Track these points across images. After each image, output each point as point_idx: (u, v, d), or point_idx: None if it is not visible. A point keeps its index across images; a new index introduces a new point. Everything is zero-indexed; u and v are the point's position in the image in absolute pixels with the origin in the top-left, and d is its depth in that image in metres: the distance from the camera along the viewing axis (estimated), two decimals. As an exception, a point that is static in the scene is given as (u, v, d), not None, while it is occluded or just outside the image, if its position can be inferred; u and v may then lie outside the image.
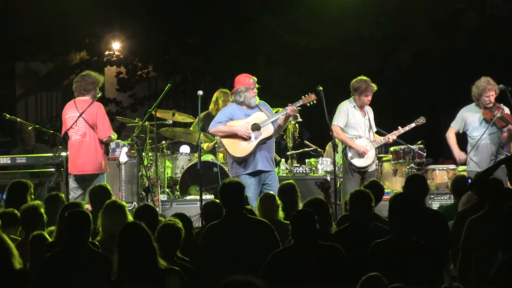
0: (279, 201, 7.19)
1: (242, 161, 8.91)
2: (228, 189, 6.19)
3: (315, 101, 8.98)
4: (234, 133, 8.91)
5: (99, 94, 9.45)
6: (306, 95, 9.01)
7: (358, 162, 9.46)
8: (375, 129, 9.84)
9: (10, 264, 5.23)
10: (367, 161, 9.50)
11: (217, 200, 7.32)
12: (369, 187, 6.85)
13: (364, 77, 9.57)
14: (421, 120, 10.08)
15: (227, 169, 10.45)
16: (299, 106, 9.05)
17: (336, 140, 9.38)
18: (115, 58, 16.78)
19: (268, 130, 8.95)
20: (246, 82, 9.02)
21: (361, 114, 9.60)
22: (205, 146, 10.83)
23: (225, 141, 9.03)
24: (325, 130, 9.33)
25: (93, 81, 9.24)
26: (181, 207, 9.80)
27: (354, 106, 9.56)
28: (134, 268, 5.15)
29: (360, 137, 9.54)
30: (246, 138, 8.88)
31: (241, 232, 6.00)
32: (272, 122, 8.96)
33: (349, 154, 9.44)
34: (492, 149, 9.46)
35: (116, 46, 16.63)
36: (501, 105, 9.51)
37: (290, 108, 8.86)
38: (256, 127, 8.93)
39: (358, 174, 9.45)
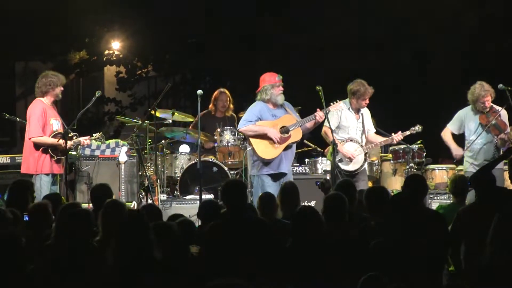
0: (278, 201, 7.20)
1: (267, 162, 8.96)
2: (231, 188, 6.19)
3: (343, 109, 9.06)
4: (265, 133, 8.95)
5: (99, 94, 9.44)
6: (335, 102, 9.04)
7: (344, 166, 9.44)
8: (374, 130, 9.83)
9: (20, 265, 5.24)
10: (354, 166, 9.49)
11: (214, 199, 7.35)
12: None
13: (362, 80, 9.54)
14: (417, 128, 9.98)
15: (226, 169, 10.47)
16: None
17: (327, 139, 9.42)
18: (114, 58, 16.77)
19: (297, 134, 8.99)
20: (272, 80, 9.07)
21: (355, 117, 9.58)
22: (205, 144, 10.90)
23: (254, 141, 9.05)
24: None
25: (48, 83, 9.20)
26: (181, 207, 9.81)
27: (349, 109, 9.53)
28: (130, 258, 5.16)
29: (350, 141, 9.51)
30: (275, 142, 8.89)
31: (243, 231, 6.00)
32: (300, 126, 9.00)
33: (337, 157, 9.40)
34: (489, 154, 9.46)
35: (116, 45, 16.63)
36: (498, 109, 9.46)
37: (319, 115, 8.89)
38: (285, 130, 8.95)
39: (346, 177, 9.42)
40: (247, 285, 3.72)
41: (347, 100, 9.58)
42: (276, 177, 8.96)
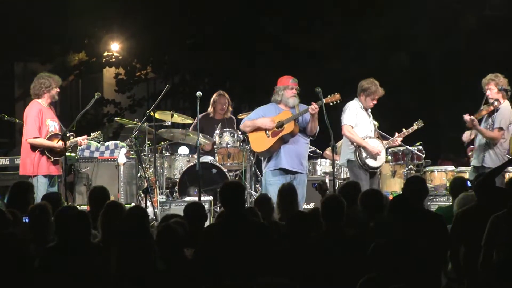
0: (274, 203, 7.19)
1: (268, 158, 8.99)
2: (228, 190, 6.19)
3: (339, 101, 8.99)
4: (257, 126, 9.00)
5: (98, 95, 9.43)
6: (332, 95, 8.99)
7: (372, 162, 9.32)
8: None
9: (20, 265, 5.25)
10: (379, 162, 9.43)
11: (198, 202, 7.38)
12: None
13: (374, 79, 9.44)
14: (420, 123, 10.02)
15: (225, 170, 10.48)
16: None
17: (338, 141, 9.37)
18: (113, 59, 16.77)
19: (289, 126, 8.95)
20: (285, 82, 9.08)
21: (366, 115, 9.50)
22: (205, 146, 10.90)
23: (250, 137, 9.16)
24: (324, 131, 9.28)
25: (41, 85, 9.19)
26: (180, 208, 9.80)
27: (361, 107, 9.36)
28: (132, 265, 5.18)
29: (370, 138, 9.43)
30: (268, 129, 8.91)
31: (239, 233, 6.00)
32: (296, 120, 8.96)
33: (364, 154, 9.34)
34: (482, 144, 9.42)
35: (115, 47, 16.63)
36: (500, 106, 9.37)
37: (312, 107, 8.85)
38: (280, 124, 8.96)
39: (371, 173, 9.40)
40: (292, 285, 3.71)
41: (357, 99, 9.45)
42: (279, 173, 8.94)
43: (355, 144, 9.26)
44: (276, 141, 8.92)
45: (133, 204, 9.70)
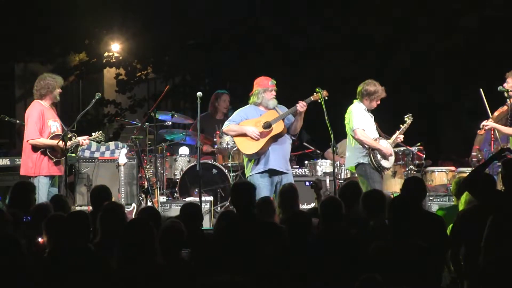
0: (275, 206, 7.20)
1: (255, 160, 8.94)
2: (240, 190, 6.19)
3: (326, 97, 8.94)
4: (244, 132, 8.95)
5: (98, 96, 9.43)
6: (319, 92, 8.95)
7: (385, 163, 9.27)
8: None
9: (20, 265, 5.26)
10: (391, 162, 9.41)
11: (195, 202, 7.38)
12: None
13: (375, 81, 9.36)
14: (410, 116, 9.98)
15: (226, 171, 10.48)
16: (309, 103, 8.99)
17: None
18: (114, 60, 16.76)
19: (278, 126, 8.94)
20: (265, 84, 9.05)
21: (369, 117, 9.45)
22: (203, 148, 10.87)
23: (237, 140, 9.10)
24: (325, 132, 9.27)
25: (46, 86, 9.19)
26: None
27: (365, 109, 9.33)
28: (134, 263, 5.19)
29: (380, 139, 9.40)
30: (254, 138, 8.88)
31: (250, 233, 5.99)
32: (283, 120, 8.94)
33: (378, 156, 9.24)
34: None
35: (116, 47, 16.61)
36: None
37: (300, 105, 8.84)
38: (267, 125, 8.93)
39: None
40: (245, 282, 3.72)
41: (359, 101, 9.39)
42: (267, 175, 8.92)
43: (367, 146, 9.22)
44: (266, 142, 8.88)
45: (133, 205, 9.71)
